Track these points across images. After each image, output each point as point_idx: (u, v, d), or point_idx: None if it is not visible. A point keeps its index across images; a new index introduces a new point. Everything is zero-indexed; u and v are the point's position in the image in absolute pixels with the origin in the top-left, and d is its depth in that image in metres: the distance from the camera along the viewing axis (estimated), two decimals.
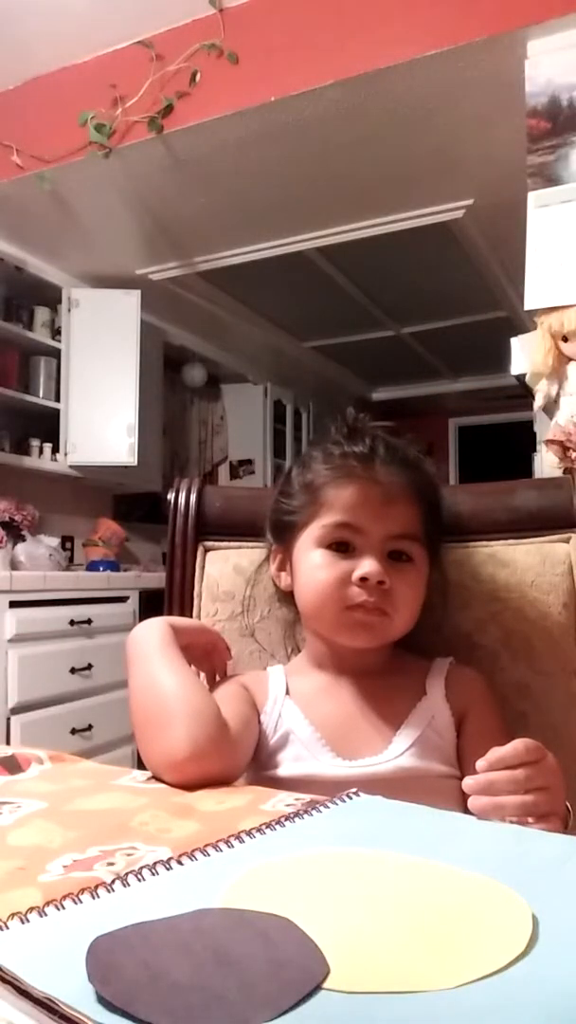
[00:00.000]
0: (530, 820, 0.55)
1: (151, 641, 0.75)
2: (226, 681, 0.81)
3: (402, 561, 0.77)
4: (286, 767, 0.76)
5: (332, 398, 5.48)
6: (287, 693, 0.80)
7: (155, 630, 0.76)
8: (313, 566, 0.77)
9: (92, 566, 3.43)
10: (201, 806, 0.57)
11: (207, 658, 0.83)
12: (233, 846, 0.46)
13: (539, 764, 0.56)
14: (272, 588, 0.91)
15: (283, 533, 0.83)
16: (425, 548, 0.79)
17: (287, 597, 0.87)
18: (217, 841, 0.46)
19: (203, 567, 0.96)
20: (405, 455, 0.80)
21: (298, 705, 0.79)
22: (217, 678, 0.84)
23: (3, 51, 2.45)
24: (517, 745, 0.56)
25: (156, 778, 0.65)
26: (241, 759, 0.71)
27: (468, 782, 0.54)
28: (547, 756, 0.58)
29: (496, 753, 0.55)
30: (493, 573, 0.89)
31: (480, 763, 0.55)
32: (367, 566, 0.74)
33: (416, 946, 0.34)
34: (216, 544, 0.97)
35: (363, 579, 0.74)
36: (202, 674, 0.83)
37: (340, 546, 0.76)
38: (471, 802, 0.54)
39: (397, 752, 0.74)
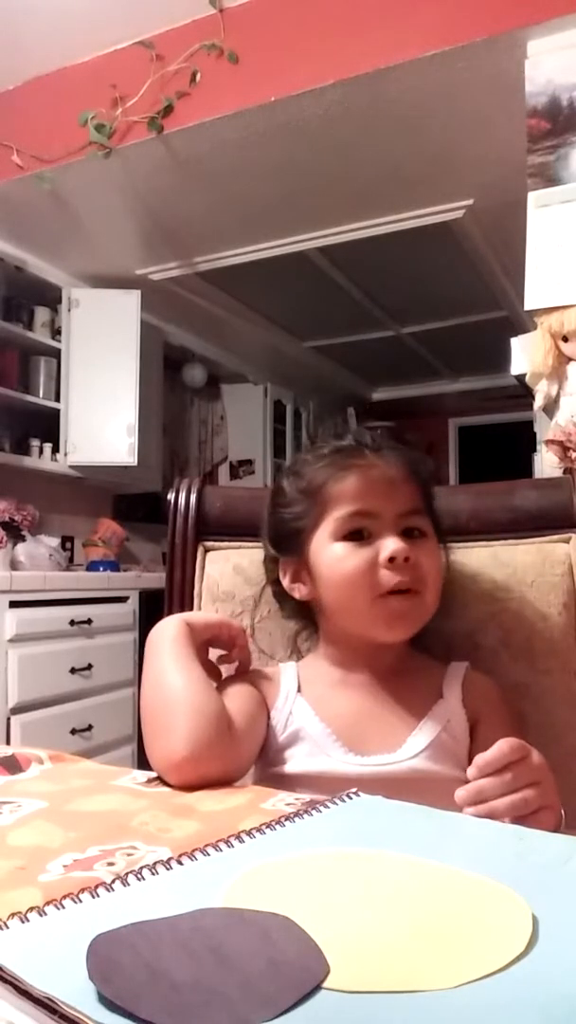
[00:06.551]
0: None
1: (163, 639, 0.74)
2: (236, 678, 0.80)
3: (416, 537, 0.77)
4: (296, 763, 0.76)
5: (332, 398, 5.48)
6: (299, 691, 0.80)
7: (169, 628, 0.75)
8: (336, 559, 0.76)
9: (92, 566, 3.43)
10: (201, 806, 0.57)
11: (233, 653, 0.82)
12: (233, 846, 0.46)
13: (524, 762, 0.57)
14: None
15: (291, 543, 0.82)
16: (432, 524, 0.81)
17: (300, 608, 0.86)
18: (217, 841, 0.46)
19: (203, 567, 0.96)
20: (392, 443, 0.81)
21: (309, 703, 0.79)
22: (226, 672, 0.83)
23: (3, 51, 2.45)
24: (502, 746, 0.56)
25: (159, 778, 0.65)
26: (244, 759, 0.71)
27: (459, 794, 0.55)
28: (531, 752, 0.58)
29: (483, 758, 0.56)
30: (493, 573, 0.89)
31: (470, 771, 0.56)
32: (391, 545, 0.74)
33: (416, 946, 0.34)
34: (216, 544, 0.97)
35: (391, 559, 0.74)
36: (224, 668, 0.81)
37: (356, 535, 0.76)
38: (465, 812, 0.54)
39: (411, 752, 0.74)
